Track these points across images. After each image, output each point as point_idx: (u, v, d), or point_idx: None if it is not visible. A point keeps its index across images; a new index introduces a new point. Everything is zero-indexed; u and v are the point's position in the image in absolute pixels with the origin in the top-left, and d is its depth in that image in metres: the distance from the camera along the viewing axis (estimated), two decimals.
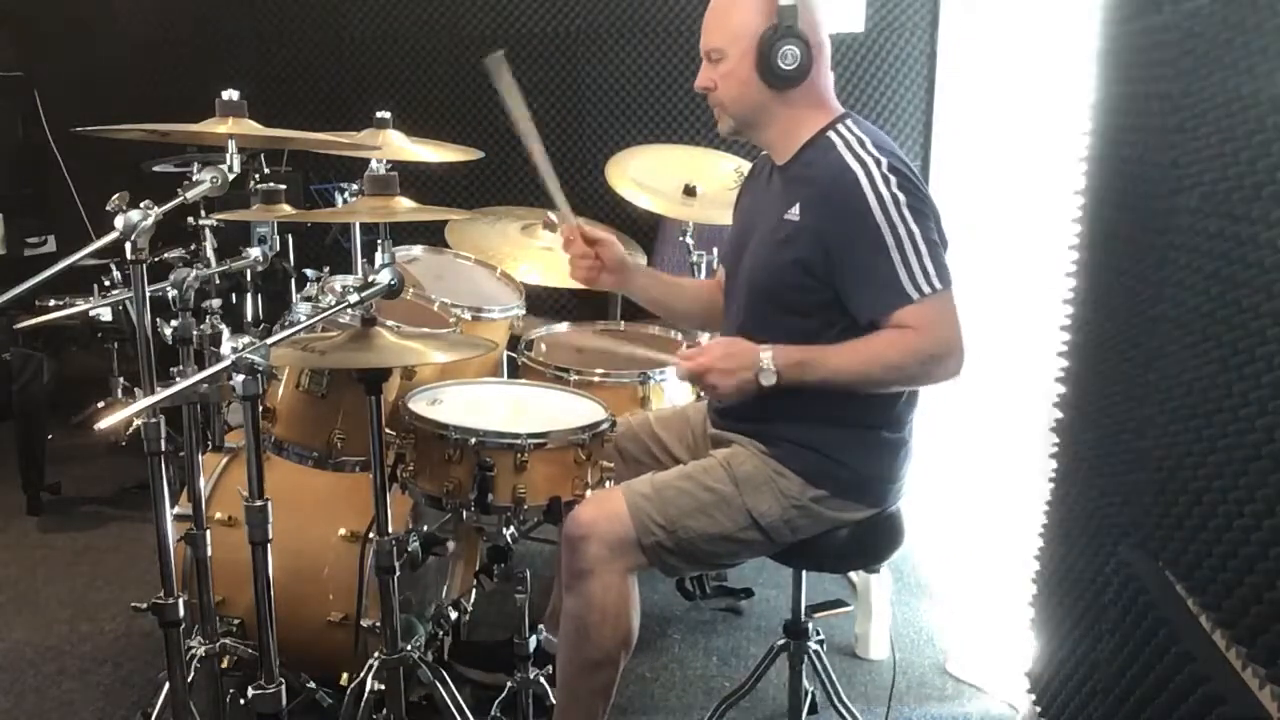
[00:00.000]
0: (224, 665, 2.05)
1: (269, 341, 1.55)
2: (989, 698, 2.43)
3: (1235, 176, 1.34)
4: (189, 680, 1.85)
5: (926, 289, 1.70)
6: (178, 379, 1.82)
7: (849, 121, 1.85)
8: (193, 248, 2.26)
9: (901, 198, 1.71)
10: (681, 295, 2.22)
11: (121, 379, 3.29)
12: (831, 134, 1.82)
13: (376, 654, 1.92)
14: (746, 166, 2.19)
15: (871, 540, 1.91)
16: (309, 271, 2.39)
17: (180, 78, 4.24)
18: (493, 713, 2.13)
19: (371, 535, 1.96)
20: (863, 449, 1.86)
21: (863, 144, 1.78)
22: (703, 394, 2.59)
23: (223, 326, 2.31)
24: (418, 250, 2.73)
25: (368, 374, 1.76)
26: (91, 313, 3.21)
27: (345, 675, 2.11)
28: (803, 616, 2.10)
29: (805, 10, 1.80)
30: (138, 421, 1.60)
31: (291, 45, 4.36)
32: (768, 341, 1.78)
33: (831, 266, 1.76)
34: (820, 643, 2.13)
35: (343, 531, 2.15)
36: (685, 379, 1.84)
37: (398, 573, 1.84)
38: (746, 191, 2.08)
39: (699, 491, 1.85)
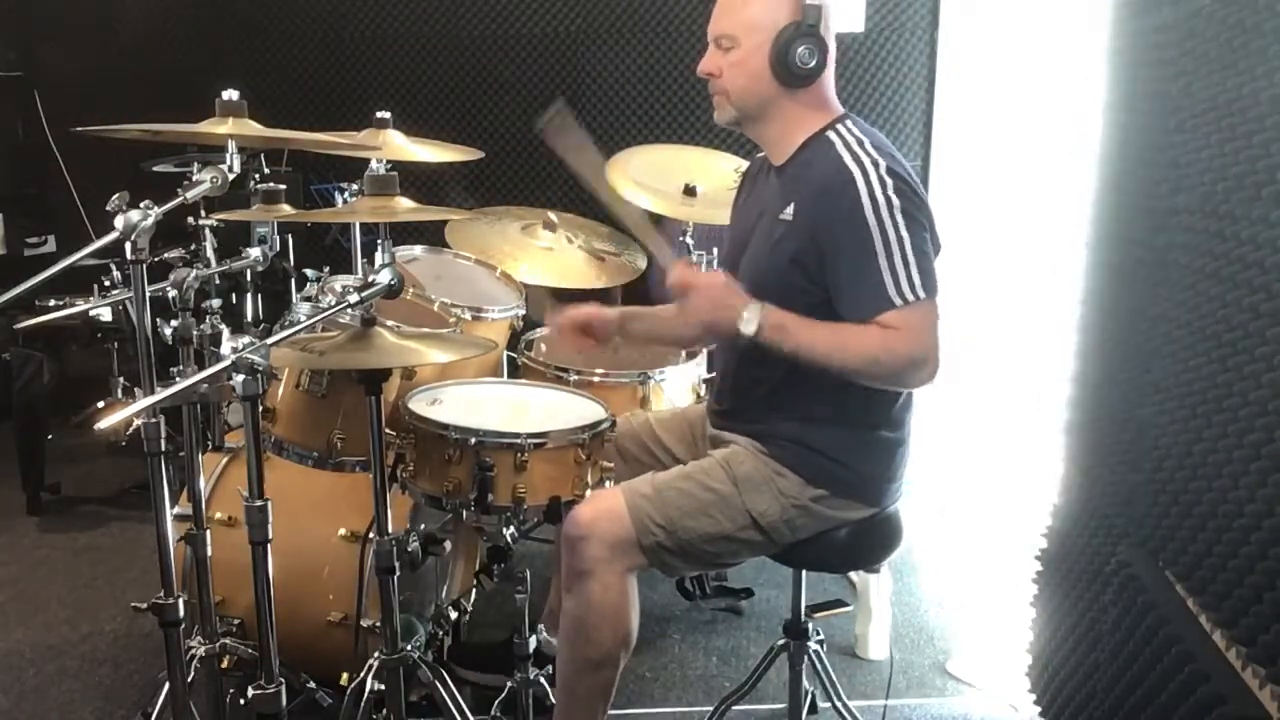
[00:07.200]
0: (224, 665, 2.05)
1: (269, 341, 1.55)
2: (989, 697, 2.43)
3: (1235, 176, 1.34)
4: (189, 680, 1.85)
5: (910, 296, 1.69)
6: (178, 379, 1.82)
7: (848, 122, 1.84)
8: (193, 248, 2.25)
9: (896, 202, 1.71)
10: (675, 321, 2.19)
11: (121, 379, 3.28)
12: (831, 134, 1.82)
13: (376, 654, 1.91)
14: (745, 166, 2.18)
15: (871, 540, 1.91)
16: (309, 271, 2.39)
17: (180, 78, 4.24)
18: (493, 712, 2.13)
19: (371, 535, 1.95)
20: (862, 448, 1.86)
21: (861, 145, 1.78)
22: (701, 392, 2.60)
23: (223, 326, 2.30)
24: (418, 250, 2.72)
25: (368, 374, 1.76)
26: (91, 313, 3.21)
27: (345, 675, 2.11)
28: (803, 616, 2.09)
29: (825, 12, 1.80)
30: (138, 421, 1.59)
31: (291, 45, 4.36)
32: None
33: (824, 266, 1.76)
34: (820, 643, 2.13)
35: (343, 531, 2.15)
36: (670, 284, 1.83)
37: (398, 573, 1.84)
38: (743, 193, 2.07)
39: (699, 492, 1.84)
